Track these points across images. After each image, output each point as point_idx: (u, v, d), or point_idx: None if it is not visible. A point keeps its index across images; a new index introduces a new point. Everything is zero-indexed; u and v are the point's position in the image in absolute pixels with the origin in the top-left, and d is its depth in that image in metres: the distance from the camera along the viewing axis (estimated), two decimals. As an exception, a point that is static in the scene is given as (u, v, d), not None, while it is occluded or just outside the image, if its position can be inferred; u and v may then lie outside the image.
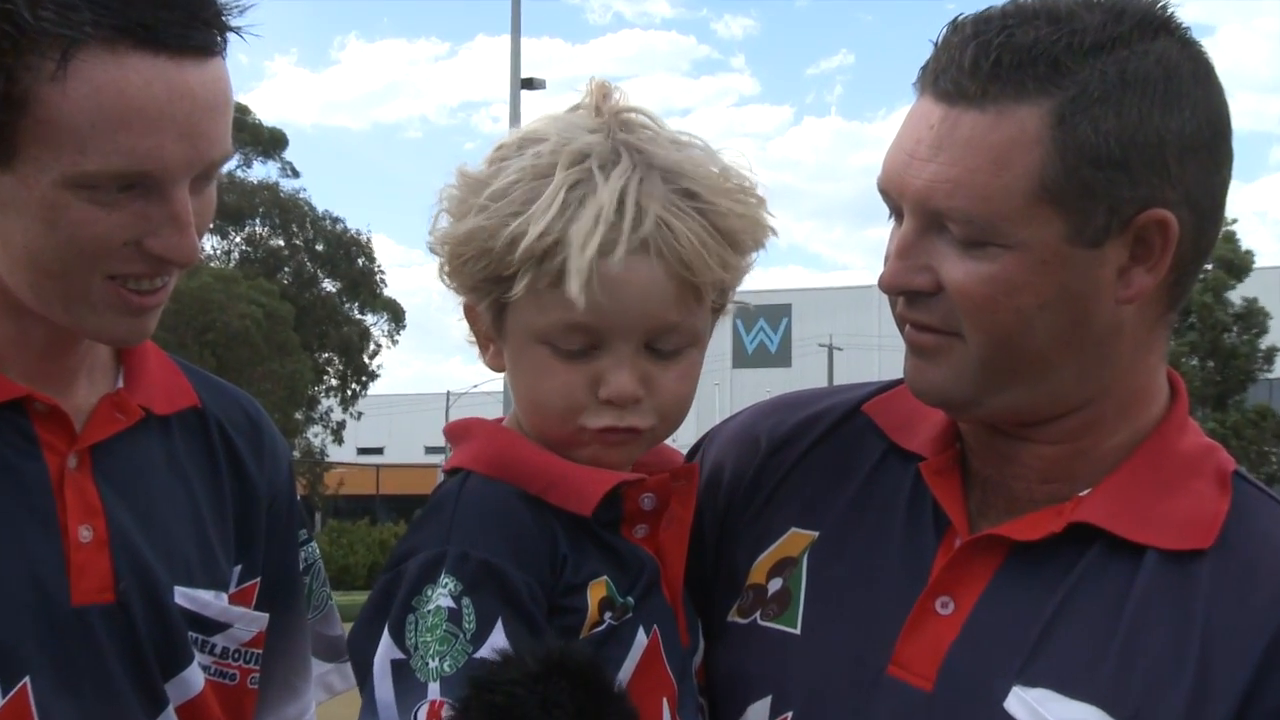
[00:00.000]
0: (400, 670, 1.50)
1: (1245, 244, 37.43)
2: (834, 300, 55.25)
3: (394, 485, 49.87)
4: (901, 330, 1.63)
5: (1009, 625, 1.55)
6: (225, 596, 1.78)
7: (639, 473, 1.65)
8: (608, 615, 1.58)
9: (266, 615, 1.84)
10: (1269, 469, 36.25)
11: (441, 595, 1.51)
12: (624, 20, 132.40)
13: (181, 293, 31.89)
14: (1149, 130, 1.48)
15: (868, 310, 46.16)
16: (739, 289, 1.70)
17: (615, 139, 1.58)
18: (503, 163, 1.61)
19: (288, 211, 45.62)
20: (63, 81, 1.48)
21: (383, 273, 47.59)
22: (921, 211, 1.54)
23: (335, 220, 46.42)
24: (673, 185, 1.57)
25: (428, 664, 1.48)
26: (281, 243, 46.16)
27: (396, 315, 47.76)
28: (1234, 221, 37.82)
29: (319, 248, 46.11)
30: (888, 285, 1.60)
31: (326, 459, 45.35)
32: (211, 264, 41.11)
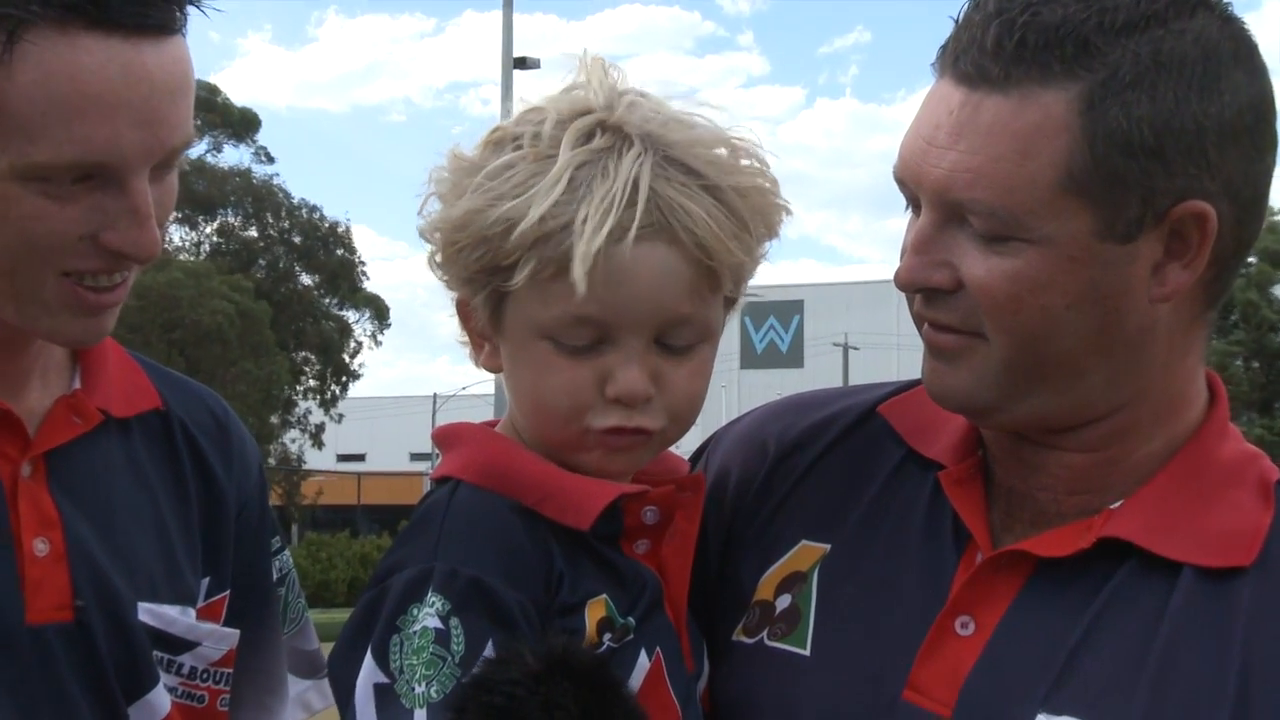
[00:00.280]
0: (384, 695, 1.50)
1: (1292, 236, 37.41)
2: (849, 296, 55.33)
3: (377, 495, 49.82)
4: (919, 329, 1.63)
5: (1034, 648, 1.55)
6: (192, 612, 1.78)
7: (641, 484, 1.65)
8: (607, 637, 1.58)
9: (237, 632, 1.84)
10: (1317, 479, 36.11)
11: (428, 615, 1.50)
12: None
13: (148, 288, 31.97)
14: (1186, 116, 1.48)
15: (885, 307, 46.21)
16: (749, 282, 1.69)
17: (621, 118, 1.58)
18: (499, 144, 1.60)
19: (261, 200, 45.67)
20: (8, 66, 1.47)
21: (364, 265, 47.75)
22: (940, 203, 1.54)
23: (312, 209, 46.53)
24: (685, 166, 1.57)
25: (413, 689, 1.48)
26: (255, 234, 46.19)
27: (379, 311, 47.83)
28: (1279, 212, 37.76)
29: (295, 239, 46.16)
30: (904, 282, 1.60)
31: (304, 466, 45.37)
32: (180, 257, 41.14)
